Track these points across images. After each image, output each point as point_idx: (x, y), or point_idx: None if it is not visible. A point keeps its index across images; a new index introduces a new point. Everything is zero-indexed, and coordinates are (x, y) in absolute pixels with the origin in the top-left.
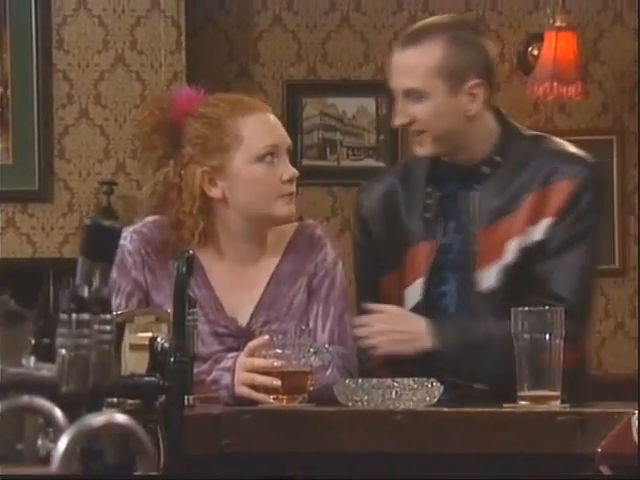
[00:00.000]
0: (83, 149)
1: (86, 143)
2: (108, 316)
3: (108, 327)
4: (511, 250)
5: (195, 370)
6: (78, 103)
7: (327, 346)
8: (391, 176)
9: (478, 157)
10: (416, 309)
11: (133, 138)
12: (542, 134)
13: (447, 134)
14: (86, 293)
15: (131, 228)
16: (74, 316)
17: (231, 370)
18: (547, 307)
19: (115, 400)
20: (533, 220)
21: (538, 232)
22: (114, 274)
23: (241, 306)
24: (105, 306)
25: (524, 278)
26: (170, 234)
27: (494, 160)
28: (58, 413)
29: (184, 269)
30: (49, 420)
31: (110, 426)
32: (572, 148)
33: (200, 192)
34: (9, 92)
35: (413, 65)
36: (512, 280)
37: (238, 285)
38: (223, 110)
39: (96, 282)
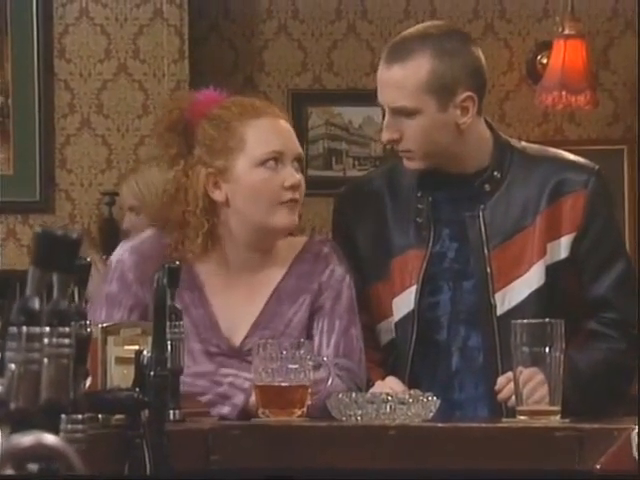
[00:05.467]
0: (85, 159)
1: (88, 153)
2: (67, 329)
3: (67, 340)
4: (537, 271)
5: (196, 383)
6: (80, 113)
7: (325, 358)
8: (376, 181)
9: (473, 166)
10: (407, 319)
11: (135, 148)
12: (529, 144)
13: (436, 149)
14: (37, 305)
15: (130, 243)
16: (24, 329)
17: (247, 392)
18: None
19: (80, 417)
20: (551, 236)
21: (563, 249)
22: (114, 288)
23: (238, 323)
24: (64, 319)
25: (558, 298)
26: (177, 235)
27: (494, 176)
28: None
29: (165, 281)
30: None
31: (38, 447)
32: (572, 156)
33: (203, 193)
34: (10, 101)
35: (400, 82)
36: (545, 302)
37: (237, 300)
38: (233, 113)
39: (55, 294)
